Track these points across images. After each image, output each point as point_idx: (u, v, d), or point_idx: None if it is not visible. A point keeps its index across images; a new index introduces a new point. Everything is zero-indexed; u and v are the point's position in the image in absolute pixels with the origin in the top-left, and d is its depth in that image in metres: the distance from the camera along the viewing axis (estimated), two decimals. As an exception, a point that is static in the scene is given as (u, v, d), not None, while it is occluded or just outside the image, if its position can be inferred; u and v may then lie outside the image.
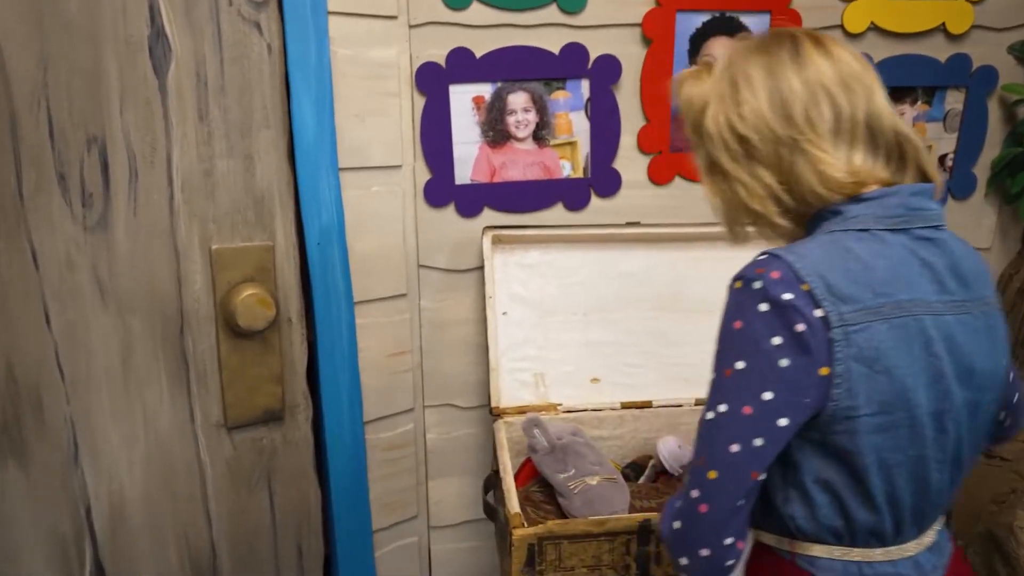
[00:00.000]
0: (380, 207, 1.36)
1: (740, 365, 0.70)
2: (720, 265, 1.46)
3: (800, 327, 0.68)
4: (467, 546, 1.59)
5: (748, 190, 0.79)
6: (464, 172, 1.41)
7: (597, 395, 1.38)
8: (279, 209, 1.24)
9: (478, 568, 1.61)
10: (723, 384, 0.71)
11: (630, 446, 1.36)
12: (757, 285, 0.70)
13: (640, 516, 0.98)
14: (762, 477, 0.71)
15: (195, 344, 1.18)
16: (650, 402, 1.36)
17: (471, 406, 1.51)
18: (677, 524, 0.72)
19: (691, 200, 1.48)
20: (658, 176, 1.46)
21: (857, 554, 0.75)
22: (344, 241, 1.31)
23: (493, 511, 1.11)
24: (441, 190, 1.40)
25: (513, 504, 1.00)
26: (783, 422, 0.69)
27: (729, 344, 0.72)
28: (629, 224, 1.43)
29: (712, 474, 0.70)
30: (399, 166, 1.37)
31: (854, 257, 0.72)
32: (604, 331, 1.41)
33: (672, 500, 0.75)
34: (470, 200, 1.41)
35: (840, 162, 0.75)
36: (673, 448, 1.29)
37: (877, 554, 0.75)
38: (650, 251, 1.45)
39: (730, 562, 0.71)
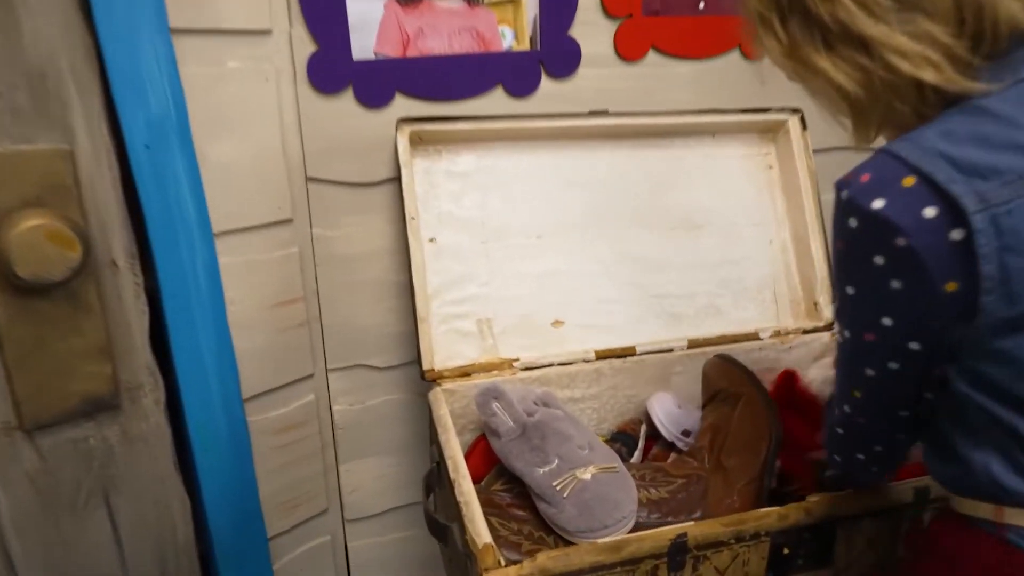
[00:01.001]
0: (242, 93, 0.93)
1: (851, 290, 0.59)
2: (710, 166, 1.16)
3: (900, 241, 0.53)
4: (393, 538, 1.26)
5: (905, 55, 0.56)
6: (365, 42, 0.99)
7: (563, 343, 1.04)
8: (75, 94, 0.79)
9: (408, 561, 1.28)
10: (843, 308, 0.61)
11: (611, 409, 1.04)
12: (844, 195, 0.57)
13: (672, 530, 0.66)
14: (918, 396, 0.62)
15: (-56, 311, 0.75)
16: (632, 348, 1.04)
17: (390, 365, 1.14)
18: (840, 430, 0.67)
19: (672, 81, 1.13)
20: (628, 49, 1.10)
21: None
22: (190, 144, 0.88)
23: (440, 528, 0.77)
24: (332, 68, 0.98)
25: (478, 529, 0.66)
26: (915, 346, 0.59)
27: (838, 266, 0.61)
28: (592, 114, 1.07)
29: (856, 392, 0.64)
30: (267, 31, 0.94)
31: (991, 117, 0.55)
32: (566, 258, 1.07)
33: (831, 405, 0.69)
34: (375, 83, 1.00)
35: None
36: (670, 408, 0.98)
37: None
38: (619, 149, 1.10)
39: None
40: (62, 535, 0.90)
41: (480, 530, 0.66)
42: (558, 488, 0.73)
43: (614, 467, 0.77)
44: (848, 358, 0.63)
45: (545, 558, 0.63)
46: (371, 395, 1.15)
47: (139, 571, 0.99)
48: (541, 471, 0.75)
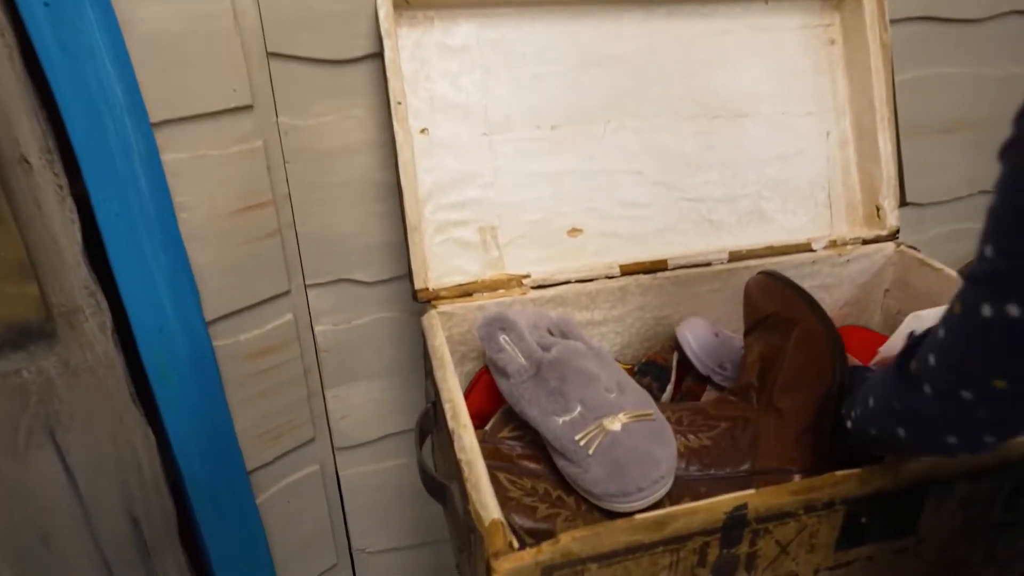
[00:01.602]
0: (176, -63, 0.72)
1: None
2: (759, 40, 0.94)
3: None
4: (390, 465, 1.15)
5: None
6: None
7: (581, 256, 0.88)
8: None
9: (406, 489, 1.18)
10: (1004, 277, 0.42)
11: (637, 333, 0.89)
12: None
13: (728, 501, 0.52)
14: None
15: None
16: (664, 261, 0.88)
17: (379, 279, 0.99)
18: (935, 415, 0.50)
19: (718, -72, 0.91)
20: None
21: None
22: (107, 3, 0.68)
23: (437, 487, 0.64)
24: (292, -94, 0.76)
25: (484, 499, 0.52)
26: None
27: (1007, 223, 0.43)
28: (620, -28, 0.86)
29: (1000, 383, 0.45)
30: None
31: None
32: (585, 153, 0.89)
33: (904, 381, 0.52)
34: (348, -73, 0.79)
35: None
36: (705, 337, 0.83)
37: None
38: (650, 20, 0.89)
39: None
40: (4, 480, 0.78)
41: (487, 500, 0.52)
42: (582, 443, 0.59)
43: (649, 414, 0.63)
44: (999, 340, 0.45)
45: (570, 539, 0.49)
46: (358, 313, 1.01)
47: (103, 514, 0.88)
48: (560, 421, 0.61)
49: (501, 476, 0.62)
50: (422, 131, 0.83)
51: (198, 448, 0.92)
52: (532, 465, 0.64)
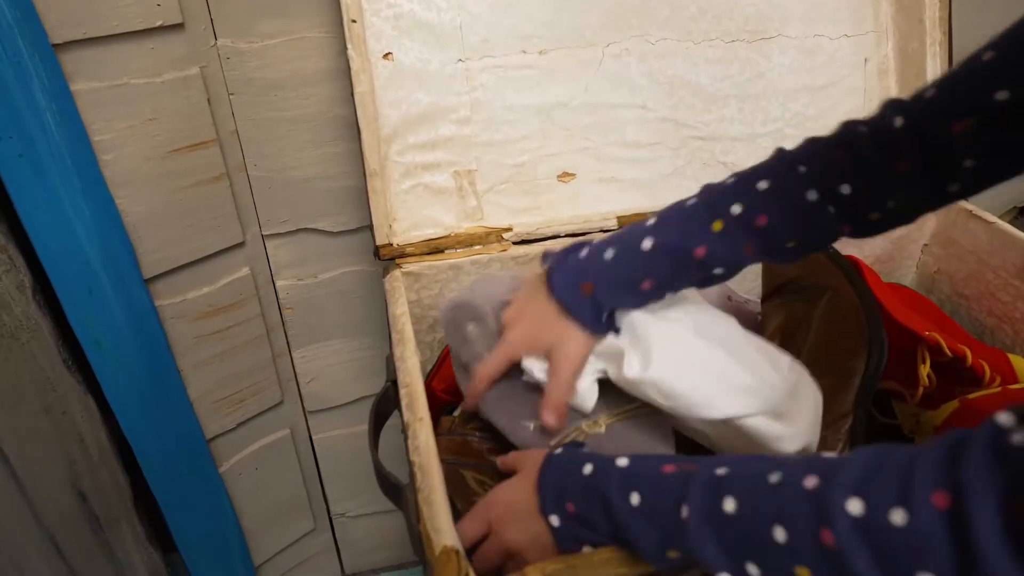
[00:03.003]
0: None
1: None
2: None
3: None
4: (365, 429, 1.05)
5: None
6: None
7: (573, 205, 0.76)
8: None
9: (385, 454, 1.09)
10: None
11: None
12: None
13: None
14: None
15: None
16: (668, 213, 0.75)
17: (345, 229, 0.87)
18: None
19: None
20: None
21: None
22: None
23: (390, 487, 0.54)
24: None
25: (437, 519, 0.42)
26: None
27: None
28: None
29: None
30: None
31: None
32: (578, 83, 0.75)
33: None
34: None
35: None
36: (717, 302, 0.71)
37: None
38: (661, -81, 0.75)
39: None
40: (-91, 462, 0.69)
41: (440, 522, 0.42)
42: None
43: (634, 405, 0.52)
44: None
45: (538, 574, 0.40)
46: (324, 266, 0.90)
47: (42, 489, 0.80)
48: (531, 427, 0.50)
49: (468, 475, 0.52)
50: (385, 56, 0.70)
51: (146, 417, 0.83)
52: (496, 455, 0.53)
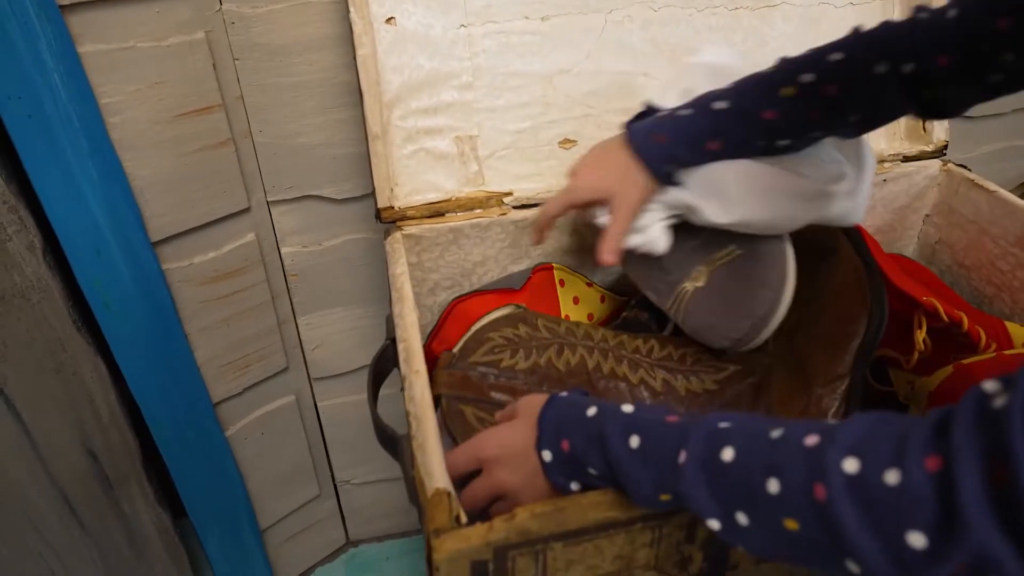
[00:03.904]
0: None
1: None
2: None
3: None
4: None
5: None
6: None
7: (573, 172, 0.76)
8: None
9: (390, 422, 1.10)
10: None
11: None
12: None
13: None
14: None
15: None
16: (669, 179, 0.76)
17: (350, 196, 0.88)
18: None
19: None
20: None
21: None
22: None
23: (387, 438, 0.56)
24: None
25: (429, 463, 0.43)
26: None
27: None
28: None
29: None
30: None
31: None
32: (581, 49, 0.76)
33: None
34: None
35: None
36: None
37: None
38: None
39: None
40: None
41: (433, 466, 0.43)
42: (674, 311, 0.56)
43: (727, 251, 0.57)
44: None
45: (527, 516, 0.41)
46: (329, 234, 0.91)
47: (55, 447, 0.82)
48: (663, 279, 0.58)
49: (467, 411, 0.54)
50: (388, 20, 0.70)
51: (154, 379, 0.85)
52: (507, 397, 0.55)
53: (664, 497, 0.40)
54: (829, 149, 0.58)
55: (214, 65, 0.75)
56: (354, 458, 1.12)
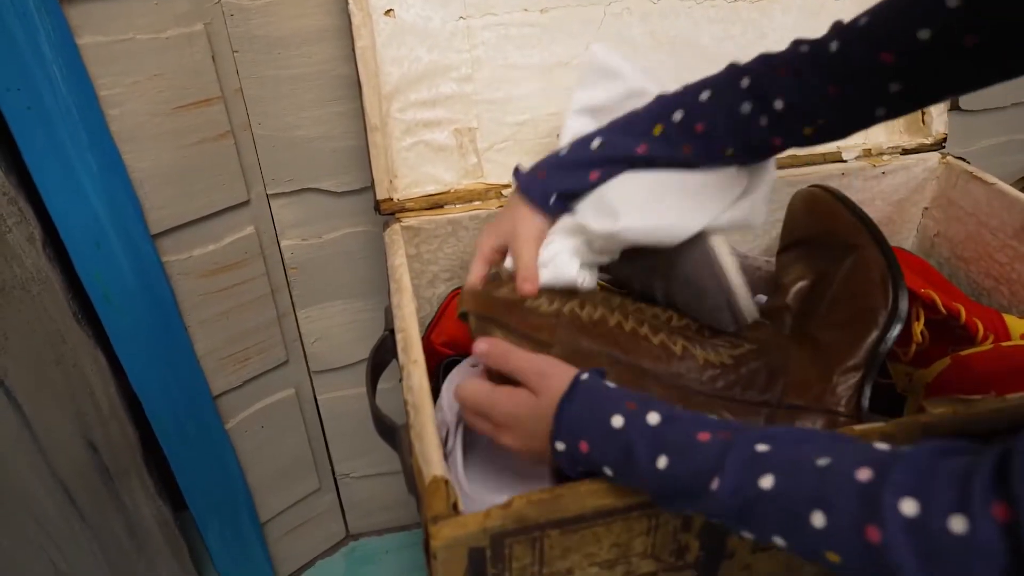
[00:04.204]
0: None
1: None
2: None
3: None
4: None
5: None
6: None
7: (572, 164, 0.77)
8: None
9: (390, 416, 1.11)
10: None
11: (633, 253, 0.79)
12: None
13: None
14: None
15: None
16: (668, 171, 0.76)
17: (349, 189, 0.88)
18: None
19: None
20: None
21: None
22: None
23: (385, 428, 0.56)
24: None
25: (427, 451, 0.44)
26: None
27: None
28: None
29: None
30: None
31: None
32: (580, 42, 0.76)
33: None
34: None
35: None
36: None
37: None
38: None
39: None
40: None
41: (431, 453, 0.44)
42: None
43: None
44: None
45: (524, 503, 0.41)
46: (328, 227, 0.91)
47: (55, 439, 0.82)
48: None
49: (498, 334, 0.54)
50: (387, 13, 0.71)
51: (154, 371, 0.85)
52: (531, 335, 0.54)
53: (687, 511, 0.40)
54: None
55: (213, 57, 0.75)
56: (354, 451, 1.12)
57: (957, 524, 0.29)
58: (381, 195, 0.71)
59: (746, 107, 0.51)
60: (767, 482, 0.35)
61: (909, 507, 0.31)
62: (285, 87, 0.79)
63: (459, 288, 0.72)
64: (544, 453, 0.44)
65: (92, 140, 0.70)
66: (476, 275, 0.59)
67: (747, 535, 0.37)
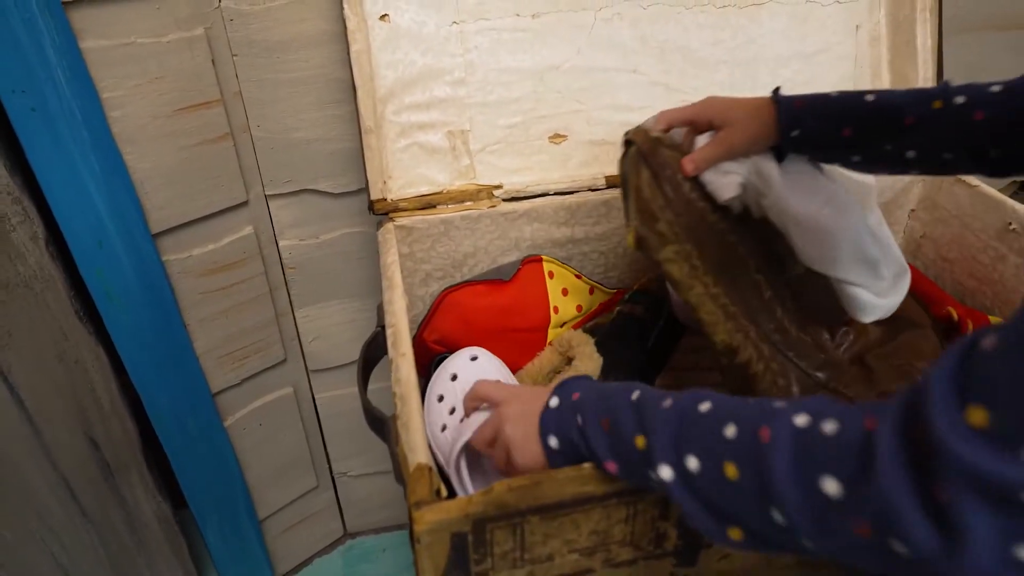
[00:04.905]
0: None
1: None
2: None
3: None
4: (370, 389, 1.09)
5: None
6: None
7: (564, 165, 0.78)
8: None
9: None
10: None
11: (623, 255, 0.80)
12: None
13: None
14: None
15: None
16: (656, 173, 0.77)
17: (347, 190, 0.90)
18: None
19: None
20: None
21: None
22: None
23: (375, 420, 0.57)
24: None
25: (413, 440, 0.45)
26: None
27: None
28: None
29: None
30: None
31: None
32: (571, 46, 0.77)
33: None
34: None
35: None
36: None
37: None
38: None
39: None
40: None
41: (416, 442, 0.45)
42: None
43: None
44: None
45: (505, 490, 0.42)
46: (326, 227, 0.93)
47: (57, 434, 0.83)
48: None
49: (644, 175, 0.58)
50: (381, 17, 0.72)
51: (155, 368, 0.87)
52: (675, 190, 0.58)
53: (638, 441, 0.41)
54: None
55: (213, 61, 0.77)
56: (351, 450, 1.14)
57: (830, 427, 0.33)
58: (375, 195, 0.72)
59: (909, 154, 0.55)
60: (704, 406, 0.40)
61: (801, 419, 0.35)
62: (283, 90, 0.81)
63: (451, 286, 0.73)
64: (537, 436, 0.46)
65: (95, 141, 0.71)
66: (662, 119, 0.60)
67: (667, 474, 0.38)
